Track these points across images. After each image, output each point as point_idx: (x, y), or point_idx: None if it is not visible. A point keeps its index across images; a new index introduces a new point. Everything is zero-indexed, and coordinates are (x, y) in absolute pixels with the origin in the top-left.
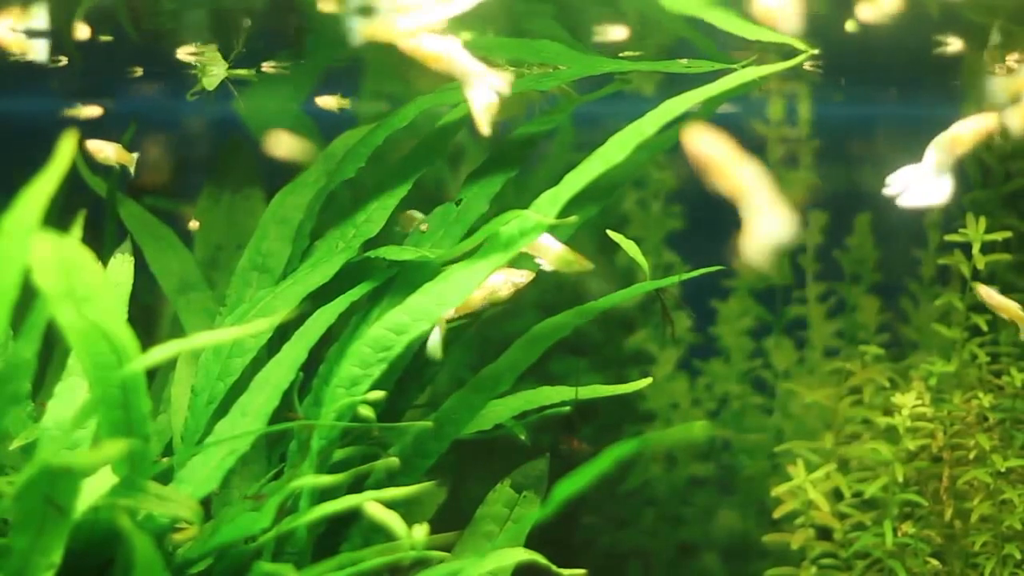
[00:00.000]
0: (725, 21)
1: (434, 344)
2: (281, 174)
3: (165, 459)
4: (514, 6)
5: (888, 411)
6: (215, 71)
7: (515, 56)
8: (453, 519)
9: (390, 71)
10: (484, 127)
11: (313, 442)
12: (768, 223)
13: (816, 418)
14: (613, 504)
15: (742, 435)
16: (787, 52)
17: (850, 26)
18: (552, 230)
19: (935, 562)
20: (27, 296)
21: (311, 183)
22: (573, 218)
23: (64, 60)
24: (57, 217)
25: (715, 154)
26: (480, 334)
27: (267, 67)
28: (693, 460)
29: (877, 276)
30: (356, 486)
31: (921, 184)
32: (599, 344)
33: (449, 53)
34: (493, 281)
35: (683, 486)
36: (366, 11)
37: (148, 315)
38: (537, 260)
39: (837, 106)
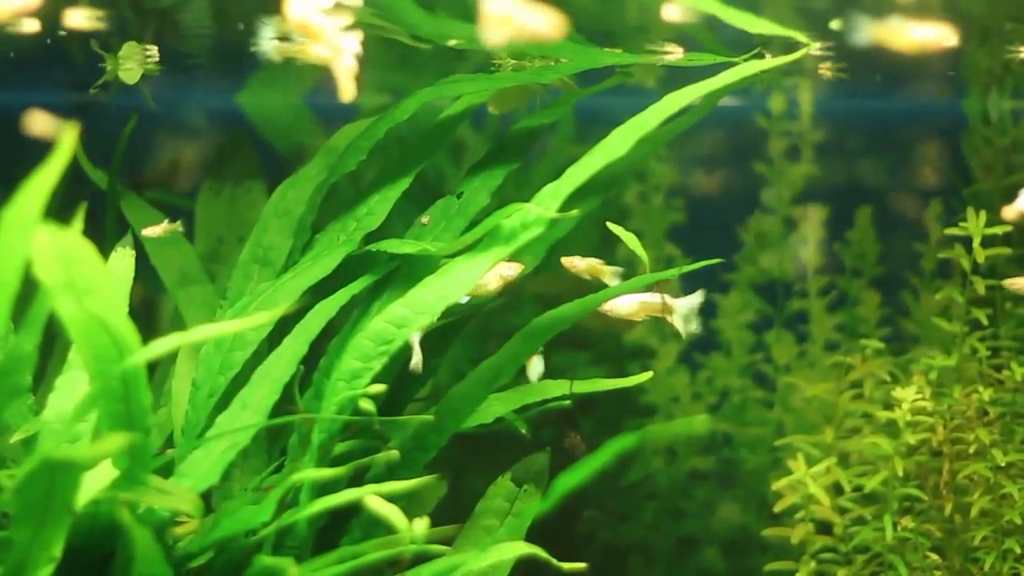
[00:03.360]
0: (727, 14)
1: (416, 361)
2: (282, 167)
3: (169, 451)
4: None
5: (888, 405)
6: (131, 65)
7: (516, 48)
8: (454, 513)
9: (392, 63)
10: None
11: (314, 436)
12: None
13: (816, 412)
14: (613, 498)
15: (743, 429)
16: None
17: (835, 24)
18: (553, 224)
19: (935, 556)
20: (28, 289)
21: (312, 176)
22: (574, 212)
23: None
24: (58, 210)
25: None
26: (480, 327)
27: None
28: (694, 454)
29: (878, 270)
30: (356, 480)
31: None
32: (600, 338)
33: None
34: None
35: (684, 480)
36: None
37: (149, 308)
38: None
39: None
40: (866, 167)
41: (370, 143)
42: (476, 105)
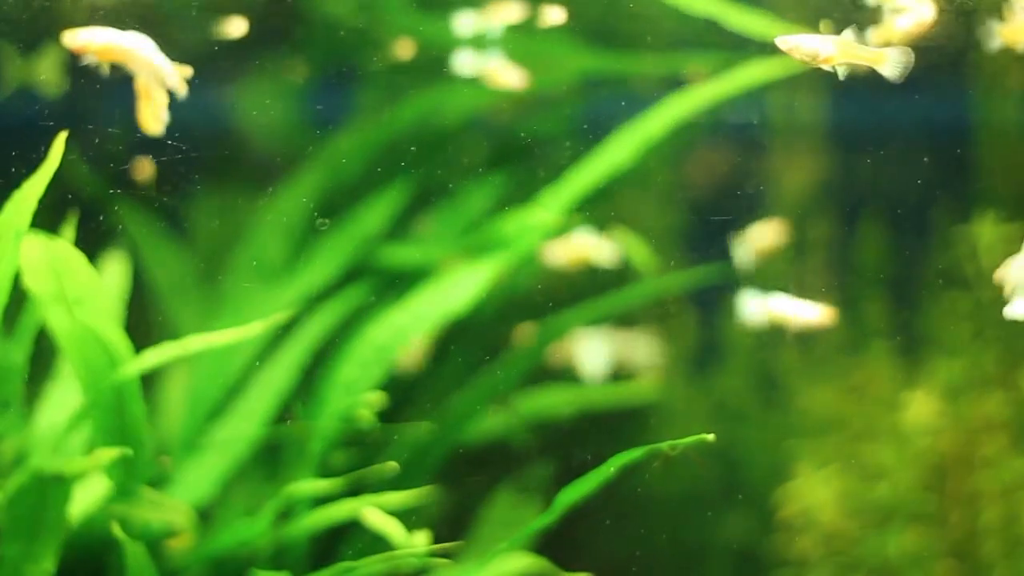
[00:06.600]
0: (734, 18)
1: None
2: (280, 173)
3: (164, 457)
4: None
5: (897, 411)
6: (50, 71)
7: (520, 51)
8: (455, 524)
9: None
10: (157, 125)
11: (312, 445)
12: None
13: (823, 418)
14: (615, 507)
15: (747, 436)
16: None
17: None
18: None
19: (944, 565)
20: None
21: (310, 182)
22: (576, 217)
23: None
24: (53, 216)
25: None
26: (481, 335)
27: None
28: (697, 462)
29: (886, 273)
30: (355, 492)
31: None
32: None
33: (127, 47)
34: None
35: (687, 488)
36: None
37: (144, 317)
38: None
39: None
40: (874, 171)
41: (369, 148)
42: (476, 110)
